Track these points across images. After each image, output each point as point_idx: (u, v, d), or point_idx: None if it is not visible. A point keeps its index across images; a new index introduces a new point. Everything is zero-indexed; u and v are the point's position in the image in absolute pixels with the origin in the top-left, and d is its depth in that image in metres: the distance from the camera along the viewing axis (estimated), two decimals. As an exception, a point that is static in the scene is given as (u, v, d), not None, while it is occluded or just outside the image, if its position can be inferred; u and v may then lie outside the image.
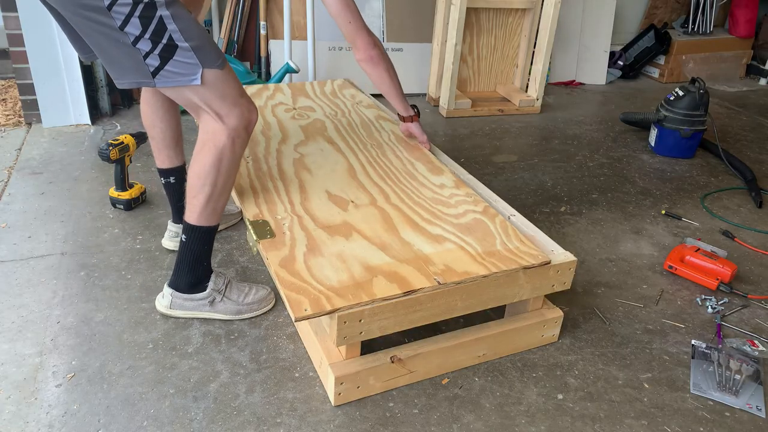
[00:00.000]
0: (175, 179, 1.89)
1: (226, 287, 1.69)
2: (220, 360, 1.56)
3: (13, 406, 1.39)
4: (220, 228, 2.10)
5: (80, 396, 1.43)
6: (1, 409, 1.38)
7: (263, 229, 1.54)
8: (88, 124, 2.88)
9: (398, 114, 2.07)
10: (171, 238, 1.98)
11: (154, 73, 1.38)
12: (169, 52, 1.37)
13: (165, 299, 1.68)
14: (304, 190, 1.74)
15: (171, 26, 1.36)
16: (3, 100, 3.14)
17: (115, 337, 1.61)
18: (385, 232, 1.58)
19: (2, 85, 3.35)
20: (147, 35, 1.34)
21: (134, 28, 1.33)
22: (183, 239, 1.60)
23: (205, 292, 1.66)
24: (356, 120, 2.26)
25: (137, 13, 1.31)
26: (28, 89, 2.79)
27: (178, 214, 1.88)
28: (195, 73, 1.40)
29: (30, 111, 2.84)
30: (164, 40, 1.35)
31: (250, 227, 1.55)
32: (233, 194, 2.34)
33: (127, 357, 1.54)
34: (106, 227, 2.09)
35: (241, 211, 2.18)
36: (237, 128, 1.48)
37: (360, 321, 1.34)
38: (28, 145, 2.66)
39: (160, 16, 1.34)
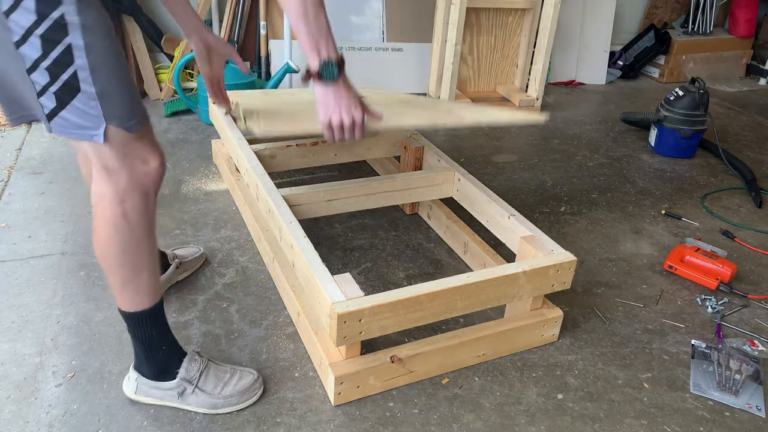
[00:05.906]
0: None
1: (200, 376, 1.40)
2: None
3: (13, 405, 1.39)
4: (183, 277, 1.84)
5: (80, 396, 1.43)
6: (1, 409, 1.38)
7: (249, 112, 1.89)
8: (88, 124, 2.88)
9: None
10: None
11: (50, 117, 1.09)
12: (68, 94, 1.06)
13: (131, 383, 1.41)
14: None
15: (80, 60, 1.04)
16: (3, 100, 3.14)
17: (115, 337, 1.61)
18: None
19: (2, 85, 3.35)
20: (45, 64, 1.03)
21: (32, 49, 1.02)
22: (127, 328, 1.35)
23: (173, 381, 1.38)
24: None
25: (40, 30, 1.01)
26: (28, 89, 2.79)
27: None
28: (97, 127, 1.10)
29: (30, 111, 2.84)
30: (65, 77, 1.04)
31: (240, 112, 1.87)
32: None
33: (127, 357, 1.54)
34: (106, 227, 2.09)
35: (203, 253, 1.92)
36: (128, 191, 1.17)
37: (360, 321, 1.34)
38: (28, 145, 2.66)
39: (69, 44, 1.03)
